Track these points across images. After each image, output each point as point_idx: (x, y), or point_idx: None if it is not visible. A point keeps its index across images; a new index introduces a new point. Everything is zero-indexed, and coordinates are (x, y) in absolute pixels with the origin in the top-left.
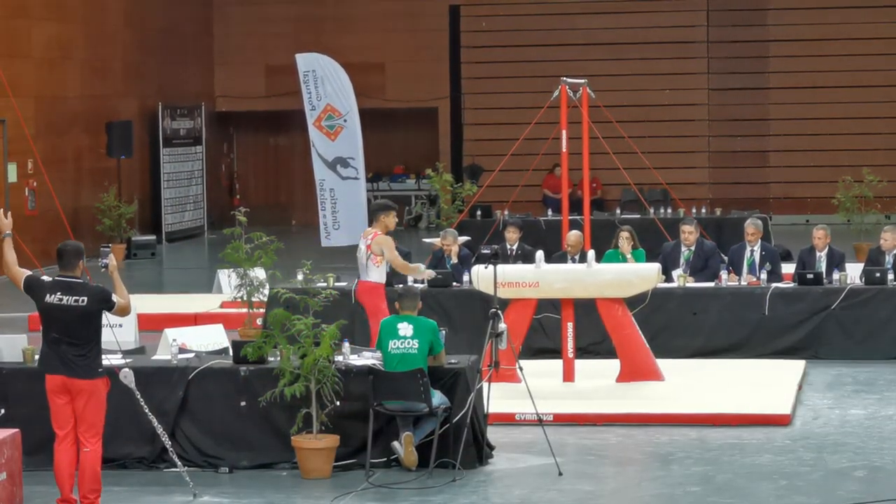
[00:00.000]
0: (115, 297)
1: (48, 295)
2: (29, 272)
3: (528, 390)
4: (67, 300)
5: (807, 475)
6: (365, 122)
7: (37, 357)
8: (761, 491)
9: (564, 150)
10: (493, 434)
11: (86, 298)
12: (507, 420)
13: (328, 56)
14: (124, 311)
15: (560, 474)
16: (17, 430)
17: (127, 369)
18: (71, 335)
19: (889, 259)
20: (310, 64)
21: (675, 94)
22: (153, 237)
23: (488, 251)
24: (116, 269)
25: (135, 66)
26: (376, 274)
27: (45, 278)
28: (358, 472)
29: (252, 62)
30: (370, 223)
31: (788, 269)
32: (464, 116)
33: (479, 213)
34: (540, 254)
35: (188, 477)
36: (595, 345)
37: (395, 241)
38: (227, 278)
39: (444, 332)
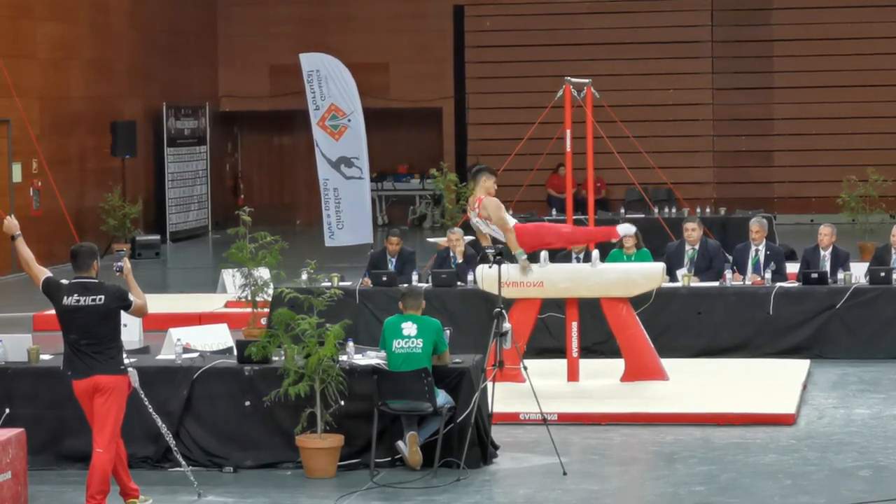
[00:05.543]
0: (131, 297)
1: (65, 298)
2: (49, 273)
3: (533, 390)
4: (85, 301)
5: (811, 475)
6: (369, 122)
7: (43, 357)
8: (766, 490)
9: (568, 149)
10: (497, 433)
11: (103, 297)
12: (512, 420)
13: (332, 56)
14: (141, 311)
15: (564, 474)
16: (21, 429)
17: (131, 369)
18: (91, 335)
19: None
20: (314, 64)
21: (680, 94)
22: (157, 237)
23: (493, 250)
24: (131, 272)
25: (139, 66)
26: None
27: (63, 281)
28: (362, 471)
29: (256, 62)
30: (471, 188)
31: (793, 268)
32: (468, 116)
33: None
34: (544, 253)
35: (192, 476)
36: (599, 344)
37: (403, 241)
38: (231, 278)
39: (448, 331)
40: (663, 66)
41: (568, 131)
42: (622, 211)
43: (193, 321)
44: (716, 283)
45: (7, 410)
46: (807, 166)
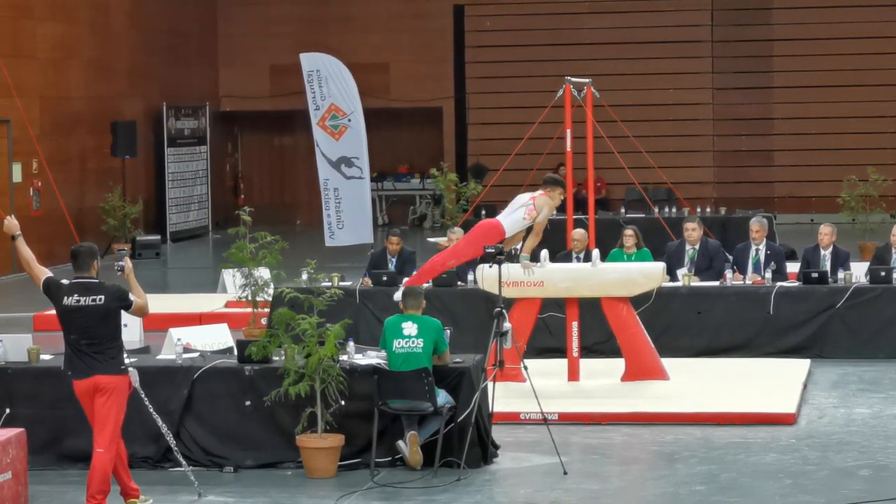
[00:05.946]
0: (132, 297)
1: (65, 298)
2: (49, 273)
3: (533, 389)
4: (85, 301)
5: (812, 474)
6: (369, 122)
7: (43, 357)
8: (766, 490)
9: (569, 149)
10: (497, 433)
11: (103, 297)
12: (512, 419)
13: (332, 56)
14: (142, 311)
15: (565, 473)
16: (22, 429)
17: (132, 369)
18: (91, 335)
19: None
20: (314, 63)
21: (680, 94)
22: (158, 237)
23: (493, 250)
24: (132, 271)
25: (139, 66)
26: (511, 223)
27: (63, 281)
28: (363, 471)
29: (256, 62)
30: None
31: (793, 268)
32: (468, 116)
33: (483, 212)
34: (545, 253)
35: (193, 476)
36: (600, 344)
37: (403, 241)
38: (231, 278)
39: (448, 331)
40: (663, 66)
41: (568, 131)
42: (622, 210)
43: (194, 321)
44: (716, 283)
45: (7, 410)
46: (807, 166)
